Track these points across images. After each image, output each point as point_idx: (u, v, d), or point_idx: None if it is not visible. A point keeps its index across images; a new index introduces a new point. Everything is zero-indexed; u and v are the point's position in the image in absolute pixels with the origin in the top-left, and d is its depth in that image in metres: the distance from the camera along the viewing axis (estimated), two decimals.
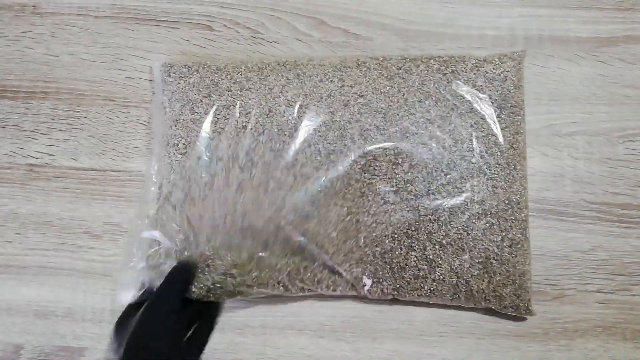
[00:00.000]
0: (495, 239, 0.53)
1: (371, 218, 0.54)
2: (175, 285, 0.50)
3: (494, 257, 0.53)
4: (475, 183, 0.54)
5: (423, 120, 0.55)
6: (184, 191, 0.54)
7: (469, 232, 0.53)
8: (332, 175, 0.54)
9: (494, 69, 0.56)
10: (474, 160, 0.54)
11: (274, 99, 0.56)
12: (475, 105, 0.55)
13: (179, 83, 0.57)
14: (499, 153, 0.55)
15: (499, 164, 0.54)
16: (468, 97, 0.56)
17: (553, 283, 0.56)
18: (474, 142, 0.55)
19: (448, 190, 0.54)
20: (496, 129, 0.55)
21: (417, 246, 0.53)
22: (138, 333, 0.45)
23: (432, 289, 0.53)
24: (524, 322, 0.56)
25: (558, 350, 0.55)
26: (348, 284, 0.54)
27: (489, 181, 0.54)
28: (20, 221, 0.58)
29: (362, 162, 0.54)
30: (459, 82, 0.56)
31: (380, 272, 0.54)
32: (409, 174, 0.54)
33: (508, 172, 0.54)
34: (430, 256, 0.53)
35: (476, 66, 0.56)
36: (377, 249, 0.53)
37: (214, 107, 0.56)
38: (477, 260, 0.53)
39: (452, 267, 0.53)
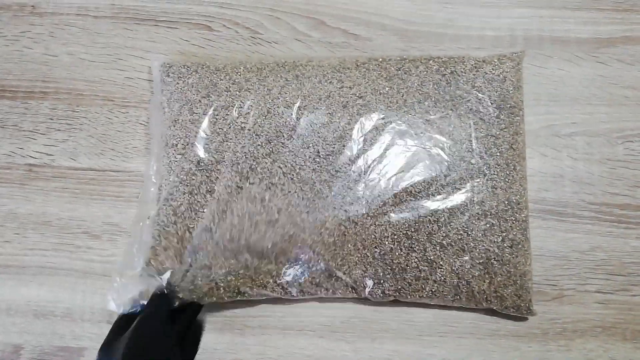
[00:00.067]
0: (495, 240, 0.53)
1: (370, 220, 0.54)
2: (162, 305, 0.51)
3: (494, 258, 0.53)
4: (475, 184, 0.54)
5: (422, 121, 0.55)
6: (184, 195, 0.54)
7: (469, 233, 0.53)
8: (331, 178, 0.54)
9: (493, 69, 0.56)
10: (473, 161, 0.54)
11: (272, 100, 0.56)
12: (475, 106, 0.55)
13: (177, 83, 0.57)
14: (498, 154, 0.55)
15: (499, 165, 0.54)
16: (467, 97, 0.56)
17: (552, 283, 0.56)
18: (474, 143, 0.55)
19: (448, 191, 0.54)
20: (495, 129, 0.55)
21: (417, 247, 0.53)
22: (132, 346, 0.45)
23: (433, 290, 0.53)
24: (523, 323, 0.56)
25: (557, 351, 0.55)
26: (348, 286, 0.54)
27: (488, 182, 0.54)
28: (19, 221, 0.58)
29: (361, 164, 0.54)
30: (458, 82, 0.56)
31: (382, 274, 0.54)
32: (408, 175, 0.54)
33: (508, 172, 0.54)
34: (431, 257, 0.53)
35: (475, 67, 0.56)
36: (377, 250, 0.53)
37: (213, 108, 0.56)
38: (477, 261, 0.53)
39: (453, 268, 0.53)
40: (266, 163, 0.54)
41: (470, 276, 0.53)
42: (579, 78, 0.60)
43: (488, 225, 0.53)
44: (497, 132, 0.55)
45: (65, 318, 0.56)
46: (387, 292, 0.54)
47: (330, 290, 0.54)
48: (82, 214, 0.58)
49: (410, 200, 0.54)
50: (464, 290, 0.53)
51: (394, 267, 0.53)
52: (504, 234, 0.53)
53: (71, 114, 0.60)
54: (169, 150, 0.56)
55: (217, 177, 0.54)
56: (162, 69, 0.58)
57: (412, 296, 0.54)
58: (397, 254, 0.53)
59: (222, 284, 0.53)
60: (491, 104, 0.55)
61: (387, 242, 0.53)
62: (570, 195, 0.58)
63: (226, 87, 0.56)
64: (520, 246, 0.54)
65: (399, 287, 0.54)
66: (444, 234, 0.53)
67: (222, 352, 0.56)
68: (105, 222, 0.58)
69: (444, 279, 0.53)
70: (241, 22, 0.62)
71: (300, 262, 0.53)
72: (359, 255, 0.54)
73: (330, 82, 0.56)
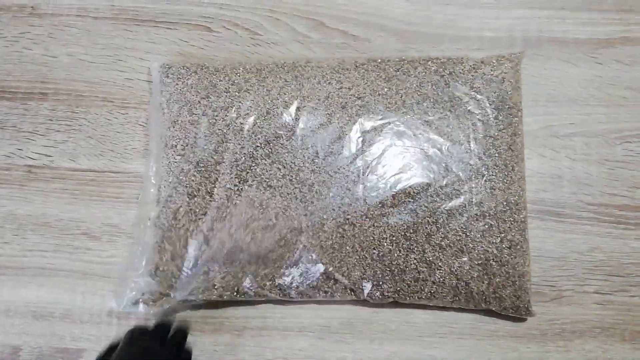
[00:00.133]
0: (494, 241, 0.53)
1: (368, 222, 0.54)
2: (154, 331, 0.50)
3: (493, 259, 0.53)
4: (473, 185, 0.54)
5: (421, 122, 0.55)
6: (183, 197, 0.54)
7: (468, 234, 0.53)
8: (330, 179, 0.54)
9: (491, 70, 0.56)
10: (472, 162, 0.54)
11: (272, 101, 0.56)
12: (473, 107, 0.56)
13: (177, 84, 0.57)
14: (497, 154, 0.55)
15: (497, 166, 0.54)
16: (466, 98, 0.56)
17: (551, 284, 0.56)
18: (472, 144, 0.55)
19: (446, 192, 0.54)
20: (494, 130, 0.55)
21: (416, 248, 0.53)
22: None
23: (432, 291, 0.53)
24: (522, 324, 0.56)
25: (556, 352, 0.55)
26: (347, 288, 0.54)
27: (487, 183, 0.54)
28: (18, 222, 0.58)
29: (360, 165, 0.54)
30: (456, 83, 0.56)
31: (380, 275, 0.54)
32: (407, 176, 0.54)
33: (506, 173, 0.54)
34: (430, 258, 0.53)
35: (474, 68, 0.57)
36: (375, 251, 0.53)
37: (212, 109, 0.56)
38: (476, 262, 0.53)
39: (452, 269, 0.53)
40: (265, 164, 0.54)
41: (469, 277, 0.53)
42: (578, 79, 0.60)
43: (487, 226, 0.53)
44: (496, 133, 0.55)
45: (64, 319, 0.56)
46: (386, 294, 0.54)
47: (329, 293, 0.54)
48: (82, 215, 0.58)
49: (409, 201, 0.54)
50: (462, 292, 0.53)
51: (393, 268, 0.53)
52: (503, 235, 0.53)
53: (70, 115, 0.60)
54: (168, 151, 0.56)
55: (217, 178, 0.54)
56: (162, 70, 0.58)
57: (411, 297, 0.54)
58: (395, 255, 0.53)
59: (220, 285, 0.53)
60: (490, 104, 0.55)
61: (385, 244, 0.53)
62: (568, 196, 0.58)
63: (225, 88, 0.56)
64: (518, 247, 0.54)
65: (398, 288, 0.54)
66: (443, 235, 0.53)
67: (222, 353, 0.56)
68: (104, 223, 0.58)
69: (443, 280, 0.53)
70: (240, 23, 0.62)
71: (298, 265, 0.53)
72: (358, 257, 0.54)
73: (329, 83, 0.56)
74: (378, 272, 0.53)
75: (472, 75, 0.56)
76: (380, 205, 0.54)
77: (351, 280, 0.54)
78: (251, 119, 0.55)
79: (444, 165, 0.54)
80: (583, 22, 0.62)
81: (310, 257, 0.53)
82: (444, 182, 0.54)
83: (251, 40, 0.62)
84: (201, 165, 0.55)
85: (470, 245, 0.53)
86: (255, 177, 0.54)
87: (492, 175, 0.54)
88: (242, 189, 0.54)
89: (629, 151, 0.59)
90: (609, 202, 0.58)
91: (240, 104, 0.56)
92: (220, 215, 0.54)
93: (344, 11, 0.62)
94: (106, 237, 0.58)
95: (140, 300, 0.53)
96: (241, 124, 0.55)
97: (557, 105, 0.60)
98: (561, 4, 0.62)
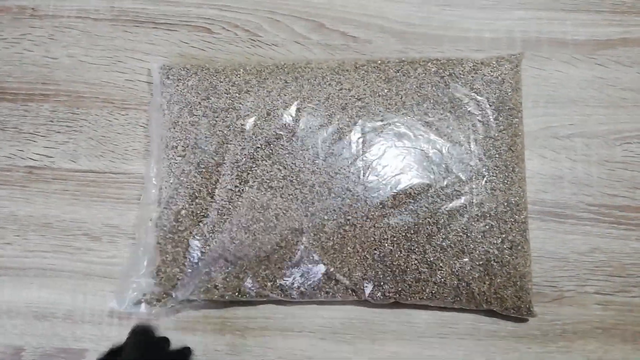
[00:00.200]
0: (495, 241, 0.53)
1: (369, 222, 0.54)
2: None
3: (494, 259, 0.53)
4: (474, 185, 0.54)
5: (421, 123, 0.55)
6: (184, 198, 0.54)
7: (469, 235, 0.53)
8: (330, 180, 0.54)
9: (491, 71, 0.57)
10: (472, 163, 0.55)
11: (272, 102, 0.56)
12: (473, 108, 0.56)
13: (177, 85, 0.57)
14: (497, 155, 0.55)
15: (498, 167, 0.55)
16: (466, 99, 0.56)
17: (552, 285, 0.57)
18: (472, 145, 0.55)
19: (447, 193, 0.54)
20: (494, 131, 0.55)
21: (417, 249, 0.53)
22: None
23: (433, 292, 0.53)
24: (523, 324, 0.56)
25: (557, 352, 0.55)
26: (348, 289, 0.54)
27: (487, 183, 0.54)
28: (20, 223, 0.58)
29: (361, 166, 0.54)
30: (456, 84, 0.56)
31: (381, 276, 0.54)
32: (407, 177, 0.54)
33: (507, 174, 0.55)
34: (431, 259, 0.53)
35: (474, 69, 0.57)
36: (376, 252, 0.54)
37: (212, 110, 0.56)
38: (477, 263, 0.53)
39: (453, 269, 0.53)
40: (266, 165, 0.55)
41: (470, 278, 0.53)
42: (577, 80, 0.61)
43: (487, 227, 0.54)
44: (496, 134, 0.55)
45: (66, 320, 0.57)
46: (387, 294, 0.54)
47: (330, 293, 0.54)
48: (83, 216, 0.58)
49: (410, 202, 0.54)
50: (464, 292, 0.53)
51: (394, 269, 0.53)
52: (504, 236, 0.54)
53: (71, 116, 0.60)
54: (169, 152, 0.56)
55: (217, 180, 0.54)
56: (162, 72, 0.58)
57: (412, 298, 0.54)
58: (396, 256, 0.53)
59: (221, 285, 0.53)
60: (490, 105, 0.56)
61: (386, 244, 0.54)
62: (569, 197, 0.58)
63: (226, 89, 0.56)
64: (519, 248, 0.54)
65: (399, 289, 0.54)
66: (444, 236, 0.53)
67: (223, 353, 0.56)
68: (105, 223, 0.58)
69: (444, 280, 0.53)
70: (240, 24, 0.62)
71: (299, 266, 0.53)
72: (359, 257, 0.54)
73: (329, 84, 0.56)
74: (379, 272, 0.54)
75: (472, 77, 0.56)
76: (380, 206, 0.54)
77: (352, 281, 0.54)
78: (251, 120, 0.55)
79: (444, 166, 0.54)
80: (583, 24, 0.62)
81: (311, 257, 0.53)
82: (445, 183, 0.54)
83: (251, 42, 0.62)
84: (202, 166, 0.55)
85: (471, 245, 0.53)
86: (256, 178, 0.54)
87: (493, 176, 0.54)
88: (243, 190, 0.54)
89: (629, 152, 0.59)
90: (609, 202, 0.58)
91: (240, 105, 0.56)
92: (221, 216, 0.54)
93: (343, 12, 0.63)
94: (107, 238, 0.58)
95: (142, 300, 0.53)
96: (242, 125, 0.55)
97: (557, 106, 0.60)
98: (561, 6, 0.62)
